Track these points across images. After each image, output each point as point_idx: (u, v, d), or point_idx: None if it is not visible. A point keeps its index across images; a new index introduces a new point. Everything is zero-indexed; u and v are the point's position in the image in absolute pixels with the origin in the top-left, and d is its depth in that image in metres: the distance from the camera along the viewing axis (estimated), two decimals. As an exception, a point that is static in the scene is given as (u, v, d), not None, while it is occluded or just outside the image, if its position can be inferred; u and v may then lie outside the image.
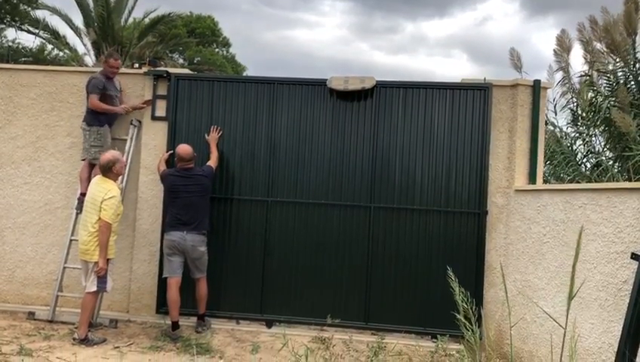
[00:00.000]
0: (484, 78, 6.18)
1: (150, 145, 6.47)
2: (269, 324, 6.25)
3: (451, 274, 3.88)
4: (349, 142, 6.26)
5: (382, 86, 6.22)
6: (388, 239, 6.18)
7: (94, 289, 5.40)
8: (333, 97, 6.30)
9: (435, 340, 5.44)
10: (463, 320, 2.80)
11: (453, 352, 5.44)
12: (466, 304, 3.71)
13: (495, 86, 6.14)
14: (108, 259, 5.44)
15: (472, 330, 2.85)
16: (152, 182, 6.42)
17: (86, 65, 16.00)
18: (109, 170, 5.49)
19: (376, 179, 6.20)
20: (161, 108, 6.48)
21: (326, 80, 6.22)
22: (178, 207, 5.80)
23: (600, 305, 4.50)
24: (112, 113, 6.29)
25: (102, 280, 5.39)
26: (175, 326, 5.73)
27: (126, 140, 6.47)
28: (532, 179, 6.04)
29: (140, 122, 6.54)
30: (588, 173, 11.12)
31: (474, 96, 6.13)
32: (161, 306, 6.27)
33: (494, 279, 6.08)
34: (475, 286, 5.93)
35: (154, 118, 6.48)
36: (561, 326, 2.61)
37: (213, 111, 6.42)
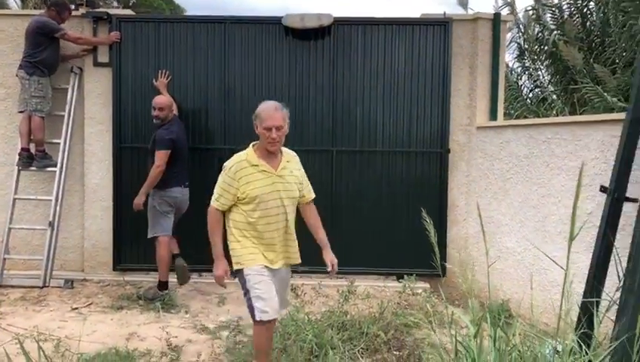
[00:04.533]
0: (444, 13, 6.00)
1: (94, 93, 6.01)
2: (233, 275, 6.10)
3: (422, 213, 3.84)
4: (308, 84, 6.00)
5: (340, 23, 5.93)
6: (351, 182, 6.06)
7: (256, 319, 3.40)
8: (289, 37, 5.97)
9: (401, 280, 5.47)
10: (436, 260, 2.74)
11: (419, 291, 5.51)
12: (431, 243, 3.68)
13: (455, 21, 5.97)
14: (240, 270, 3.54)
15: (437, 268, 2.82)
16: (99, 134, 6.02)
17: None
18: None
19: (337, 122, 6.01)
20: (103, 54, 5.99)
21: (281, 18, 5.89)
22: (182, 161, 5.42)
23: (564, 237, 4.58)
24: (72, 55, 6.02)
25: (249, 304, 3.46)
26: (166, 285, 5.43)
27: (67, 89, 5.99)
28: (493, 115, 6.00)
29: (81, 69, 6.05)
30: (534, 107, 11.31)
31: (434, 32, 5.94)
32: (119, 263, 6.04)
33: (457, 217, 6.11)
34: (439, 225, 5.93)
35: (96, 64, 6.00)
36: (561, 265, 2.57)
37: (161, 55, 5.99)
